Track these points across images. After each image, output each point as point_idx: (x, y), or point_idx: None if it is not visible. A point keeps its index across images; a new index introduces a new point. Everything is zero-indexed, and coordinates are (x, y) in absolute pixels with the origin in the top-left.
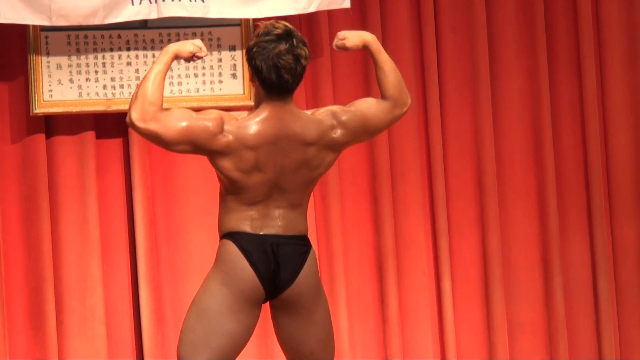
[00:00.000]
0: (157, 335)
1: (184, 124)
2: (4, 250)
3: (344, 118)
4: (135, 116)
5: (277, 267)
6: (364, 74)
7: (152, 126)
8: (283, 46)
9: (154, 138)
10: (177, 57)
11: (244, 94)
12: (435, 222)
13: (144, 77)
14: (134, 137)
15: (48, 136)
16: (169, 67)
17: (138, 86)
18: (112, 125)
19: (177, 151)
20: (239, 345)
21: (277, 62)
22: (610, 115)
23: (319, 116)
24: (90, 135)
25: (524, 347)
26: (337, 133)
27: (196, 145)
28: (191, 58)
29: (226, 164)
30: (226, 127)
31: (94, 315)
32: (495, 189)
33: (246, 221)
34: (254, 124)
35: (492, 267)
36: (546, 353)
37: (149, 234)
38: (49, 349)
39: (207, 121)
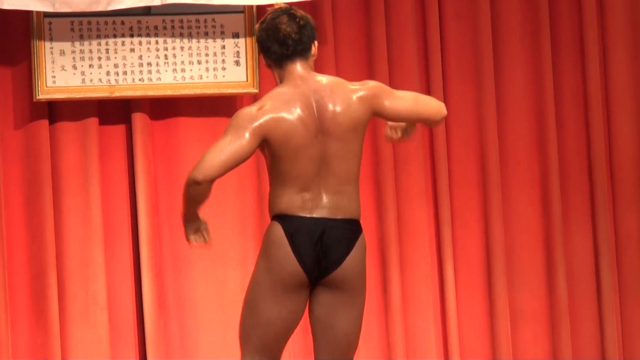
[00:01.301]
0: (159, 322)
1: (228, 137)
2: (6, 236)
3: (368, 84)
4: (199, 176)
5: (322, 253)
6: (367, 61)
7: (215, 161)
8: (282, 15)
9: (225, 164)
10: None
11: (247, 81)
12: (438, 210)
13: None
14: (137, 123)
15: (51, 122)
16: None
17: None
18: (115, 111)
19: (246, 153)
20: (283, 329)
21: (276, 25)
22: (614, 103)
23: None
24: (93, 121)
25: (526, 336)
26: (360, 93)
27: (254, 131)
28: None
29: (280, 132)
30: (261, 106)
31: (96, 301)
32: (499, 177)
33: (296, 203)
34: (282, 94)
35: (494, 255)
36: (548, 341)
37: (152, 220)
38: (51, 334)
39: (242, 116)
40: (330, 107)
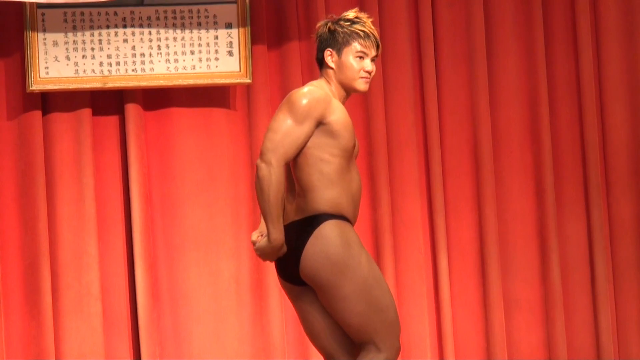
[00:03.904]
0: (152, 313)
1: None
2: None
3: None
4: None
5: (284, 255)
6: None
7: None
8: None
9: None
10: None
11: (240, 71)
12: (432, 198)
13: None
14: (130, 114)
15: (44, 113)
16: None
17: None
18: (108, 102)
19: None
20: (311, 331)
21: None
22: (607, 91)
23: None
24: (86, 112)
25: (520, 324)
26: None
27: None
28: None
29: None
30: None
31: (89, 292)
32: (492, 165)
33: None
34: None
35: (488, 243)
36: (542, 330)
37: (145, 211)
38: (44, 325)
39: None
40: None
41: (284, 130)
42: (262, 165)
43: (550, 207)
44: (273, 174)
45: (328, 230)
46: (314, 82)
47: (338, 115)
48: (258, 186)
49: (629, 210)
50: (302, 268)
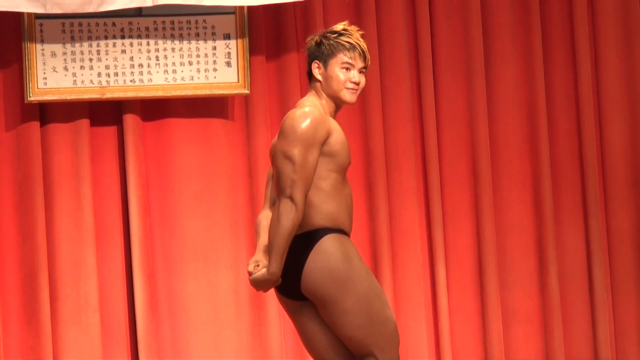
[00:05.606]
0: (151, 323)
1: None
2: None
3: (282, 134)
4: None
5: (286, 270)
6: None
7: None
8: None
9: None
10: None
11: (238, 81)
12: (430, 209)
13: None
14: (128, 124)
15: (42, 124)
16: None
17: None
18: (106, 112)
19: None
20: (310, 345)
21: None
22: (605, 102)
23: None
24: (84, 123)
25: (518, 335)
26: (274, 140)
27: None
28: None
29: None
30: None
31: (88, 302)
32: (490, 176)
33: None
34: None
35: (486, 254)
36: (541, 341)
37: (144, 221)
38: (42, 336)
39: None
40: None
41: (299, 163)
42: (286, 201)
43: (549, 217)
44: (293, 211)
45: (328, 245)
46: (308, 101)
47: (336, 135)
48: (275, 217)
49: (627, 221)
50: (303, 283)
